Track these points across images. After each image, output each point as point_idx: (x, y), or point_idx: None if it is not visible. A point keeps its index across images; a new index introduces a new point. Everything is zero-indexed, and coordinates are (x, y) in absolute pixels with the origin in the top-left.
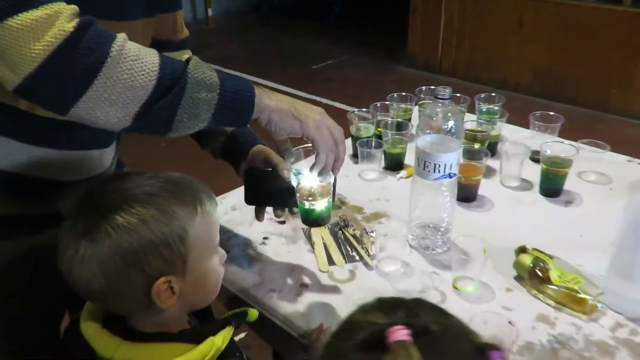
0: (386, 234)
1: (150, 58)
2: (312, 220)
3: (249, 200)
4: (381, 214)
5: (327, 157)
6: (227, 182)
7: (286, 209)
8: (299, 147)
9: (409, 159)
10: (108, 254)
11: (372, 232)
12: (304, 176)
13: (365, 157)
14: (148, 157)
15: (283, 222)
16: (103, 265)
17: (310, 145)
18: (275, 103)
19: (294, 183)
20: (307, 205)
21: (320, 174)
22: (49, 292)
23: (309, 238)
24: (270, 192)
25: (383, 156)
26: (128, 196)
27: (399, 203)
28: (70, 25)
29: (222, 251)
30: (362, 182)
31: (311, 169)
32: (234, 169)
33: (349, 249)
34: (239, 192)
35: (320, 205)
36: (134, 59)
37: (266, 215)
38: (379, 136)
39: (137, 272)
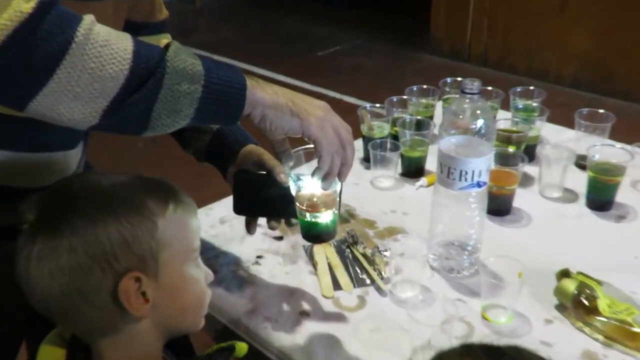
0: (403, 254)
1: (122, 44)
2: (314, 235)
3: (238, 209)
4: (397, 230)
5: (331, 160)
6: (215, 191)
7: (282, 221)
8: (298, 148)
9: (431, 164)
10: (69, 247)
11: (386, 250)
12: (304, 183)
13: (379, 161)
14: (121, 160)
15: (280, 238)
16: (64, 261)
17: (312, 146)
18: (271, 97)
19: (293, 191)
20: (308, 217)
21: (323, 180)
22: (6, 317)
23: (310, 257)
24: (263, 200)
25: (400, 160)
26: (93, 186)
27: (419, 216)
28: (28, 6)
29: (207, 269)
30: (374, 191)
31: (313, 174)
32: (221, 173)
33: (359, 270)
34: (229, 202)
35: (324, 217)
36: (103, 45)
37: (260, 230)
38: (395, 137)
39: (103, 268)
